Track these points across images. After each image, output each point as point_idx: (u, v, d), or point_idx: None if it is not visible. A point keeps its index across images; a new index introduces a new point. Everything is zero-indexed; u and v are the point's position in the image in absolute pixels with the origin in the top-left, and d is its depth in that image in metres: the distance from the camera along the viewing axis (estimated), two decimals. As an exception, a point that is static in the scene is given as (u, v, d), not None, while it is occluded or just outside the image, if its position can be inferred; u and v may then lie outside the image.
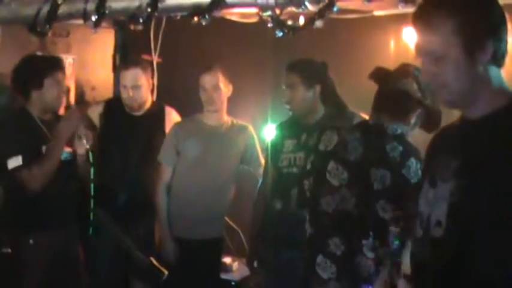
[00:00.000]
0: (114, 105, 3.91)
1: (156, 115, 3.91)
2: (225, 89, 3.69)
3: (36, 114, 3.44)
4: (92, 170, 3.48)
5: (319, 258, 2.69)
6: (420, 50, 1.67)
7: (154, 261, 3.55)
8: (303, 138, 3.36)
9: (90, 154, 3.48)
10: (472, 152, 1.62)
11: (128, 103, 3.80)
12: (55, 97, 3.45)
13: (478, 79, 1.63)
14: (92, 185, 3.48)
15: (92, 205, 3.49)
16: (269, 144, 3.53)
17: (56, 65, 3.50)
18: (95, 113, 3.94)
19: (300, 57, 3.44)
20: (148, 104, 3.88)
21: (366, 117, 3.00)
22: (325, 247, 2.68)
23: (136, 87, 3.74)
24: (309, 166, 2.92)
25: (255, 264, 3.63)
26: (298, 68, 3.35)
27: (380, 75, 2.72)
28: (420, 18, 1.66)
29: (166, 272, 3.54)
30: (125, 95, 3.78)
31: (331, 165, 2.74)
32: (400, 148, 2.61)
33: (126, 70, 3.78)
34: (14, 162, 3.28)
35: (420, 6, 1.69)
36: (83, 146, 3.45)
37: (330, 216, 2.70)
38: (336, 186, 2.70)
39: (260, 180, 3.65)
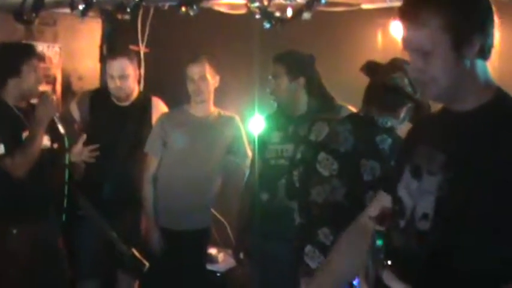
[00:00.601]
0: (100, 96, 3.89)
1: (142, 106, 3.89)
2: (212, 79, 3.67)
3: (12, 103, 3.37)
4: (67, 156, 3.46)
5: (308, 248, 2.71)
6: (408, 45, 1.67)
7: (136, 253, 3.55)
8: (290, 130, 3.37)
9: (66, 140, 3.46)
10: (460, 146, 1.63)
11: (115, 93, 3.78)
12: (32, 84, 3.39)
13: (465, 74, 1.63)
14: (67, 171, 3.46)
15: (66, 191, 3.46)
16: (256, 136, 3.54)
17: (32, 51, 3.43)
18: (73, 104, 3.94)
19: (287, 49, 3.44)
20: (135, 95, 3.86)
21: (354, 109, 3.01)
22: (314, 237, 2.70)
23: (123, 77, 3.72)
24: (298, 156, 2.93)
25: (241, 255, 3.64)
26: (284, 59, 3.35)
27: (371, 68, 2.73)
28: (407, 14, 1.65)
29: (147, 264, 3.54)
30: (112, 85, 3.75)
31: (322, 155, 2.75)
32: (390, 140, 2.64)
33: (113, 60, 3.76)
34: None
35: (407, 1, 1.68)
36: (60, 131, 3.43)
37: (320, 207, 2.72)
38: (326, 177, 2.72)
39: (247, 172, 3.65)
